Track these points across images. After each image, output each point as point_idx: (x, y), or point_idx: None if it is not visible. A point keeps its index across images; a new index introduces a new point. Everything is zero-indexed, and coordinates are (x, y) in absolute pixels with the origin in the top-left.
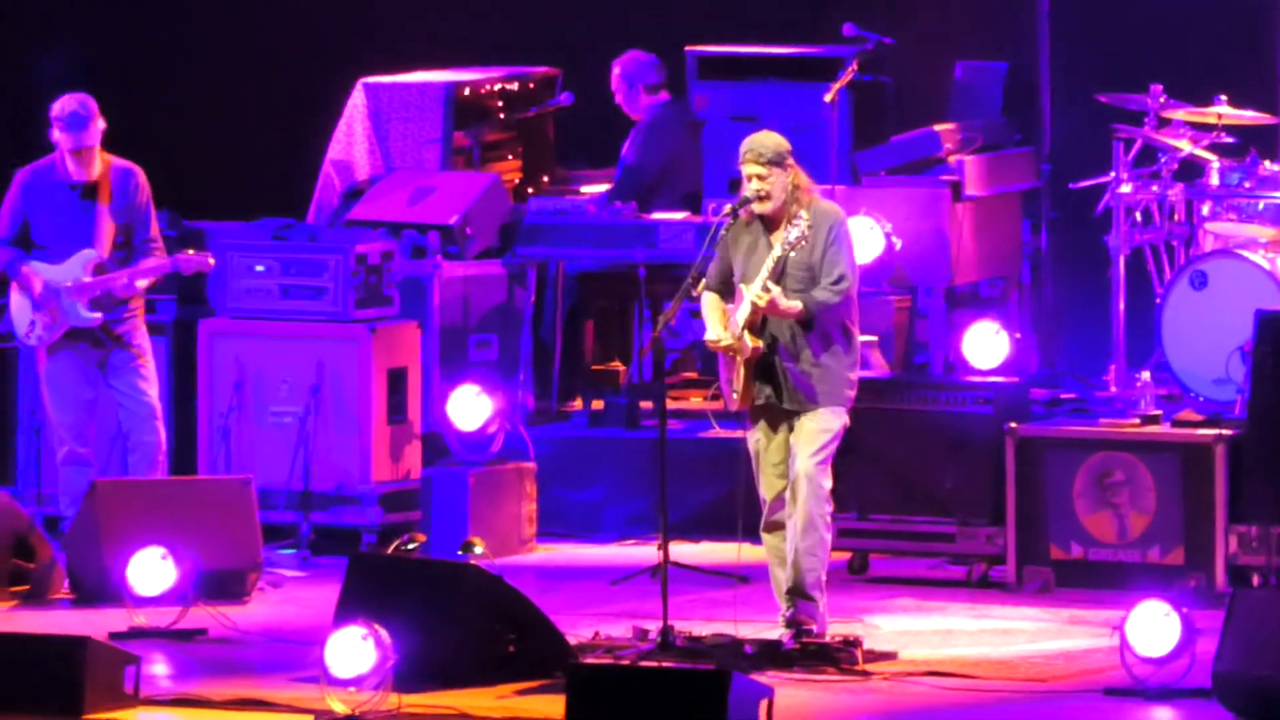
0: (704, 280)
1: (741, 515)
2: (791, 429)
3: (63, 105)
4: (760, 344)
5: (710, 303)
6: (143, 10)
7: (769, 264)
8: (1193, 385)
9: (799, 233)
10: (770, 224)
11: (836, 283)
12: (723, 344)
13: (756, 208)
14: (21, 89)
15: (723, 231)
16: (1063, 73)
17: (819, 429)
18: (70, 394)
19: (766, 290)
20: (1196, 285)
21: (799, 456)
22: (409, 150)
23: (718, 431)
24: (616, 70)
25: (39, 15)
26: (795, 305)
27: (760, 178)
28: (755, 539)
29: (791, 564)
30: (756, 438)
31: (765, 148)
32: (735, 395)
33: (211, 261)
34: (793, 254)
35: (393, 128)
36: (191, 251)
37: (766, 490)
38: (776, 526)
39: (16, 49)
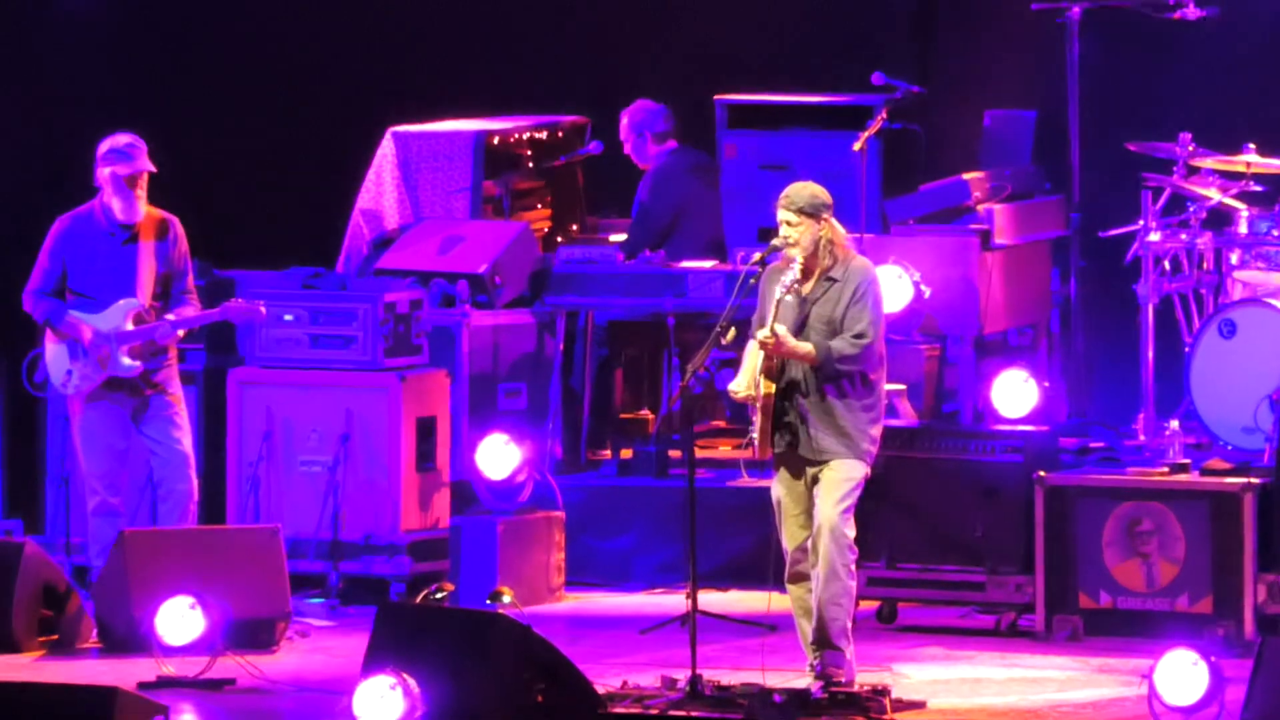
0: (734, 329)
1: (773, 563)
2: (815, 480)
3: (114, 139)
4: (771, 388)
5: (748, 351)
6: (173, 60)
7: (773, 307)
8: (1221, 434)
9: (793, 276)
10: (802, 274)
11: (857, 337)
12: (741, 394)
13: (787, 254)
14: (51, 139)
15: (757, 280)
16: (1092, 121)
17: (841, 479)
18: (104, 443)
19: (773, 332)
20: (1225, 334)
21: (822, 506)
22: (438, 199)
23: (746, 480)
24: (624, 120)
25: (68, 65)
26: (805, 347)
27: (789, 224)
28: (784, 588)
29: (816, 614)
30: (778, 488)
31: (800, 197)
32: (755, 442)
33: (264, 310)
34: (814, 307)
35: (422, 177)
36: (242, 300)
37: (789, 541)
38: (800, 578)
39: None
